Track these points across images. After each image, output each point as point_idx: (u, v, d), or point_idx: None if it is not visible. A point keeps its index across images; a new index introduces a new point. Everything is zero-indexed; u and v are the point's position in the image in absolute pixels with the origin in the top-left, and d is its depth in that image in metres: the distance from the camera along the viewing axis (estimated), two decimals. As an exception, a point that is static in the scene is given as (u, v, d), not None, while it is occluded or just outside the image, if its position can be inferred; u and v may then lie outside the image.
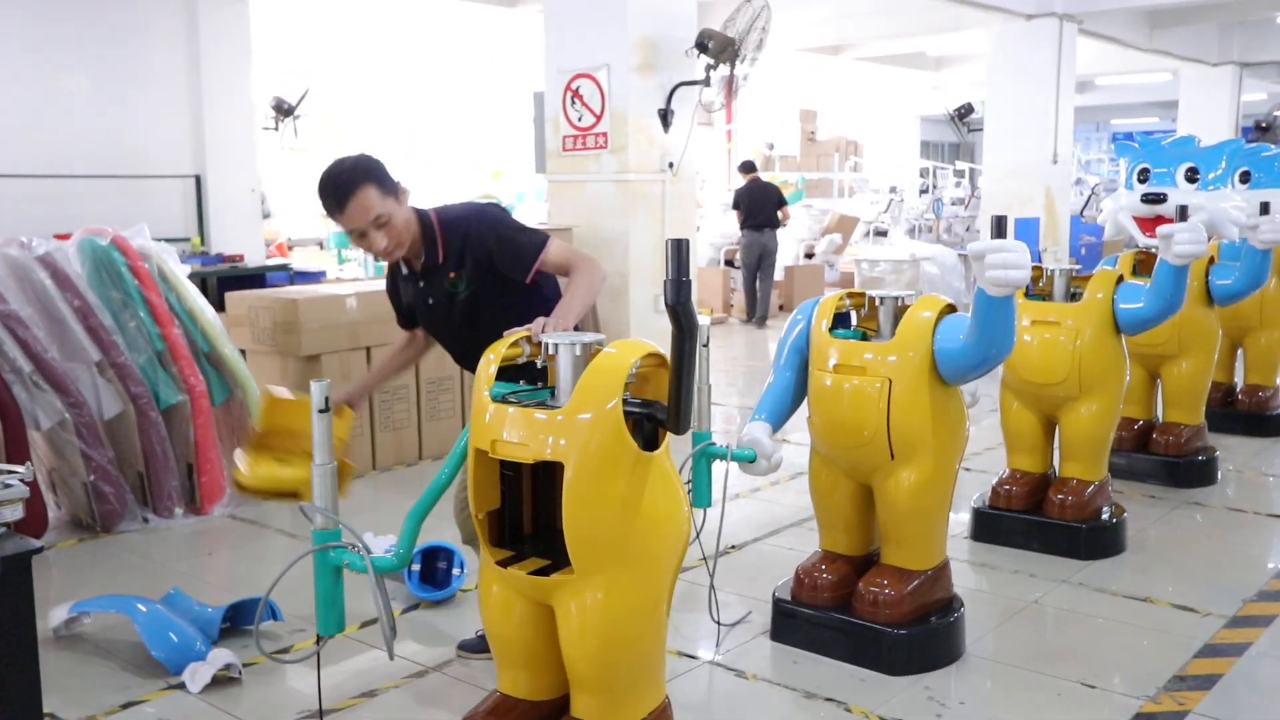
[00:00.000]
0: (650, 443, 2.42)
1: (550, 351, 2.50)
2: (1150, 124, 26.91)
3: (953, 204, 18.05)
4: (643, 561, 2.42)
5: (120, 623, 3.64)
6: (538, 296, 3.09)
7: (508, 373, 2.55)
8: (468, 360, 2.98)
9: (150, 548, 4.63)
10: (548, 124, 7.44)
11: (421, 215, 3.10)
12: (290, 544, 4.70)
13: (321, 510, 2.59)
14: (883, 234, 16.17)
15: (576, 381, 2.40)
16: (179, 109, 9.44)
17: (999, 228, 2.93)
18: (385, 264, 3.27)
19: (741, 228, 11.70)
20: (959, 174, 20.89)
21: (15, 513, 1.65)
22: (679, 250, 2.11)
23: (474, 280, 3.08)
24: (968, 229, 16.41)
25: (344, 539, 2.62)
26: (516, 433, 2.40)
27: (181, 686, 3.28)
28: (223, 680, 3.30)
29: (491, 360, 2.52)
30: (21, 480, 1.67)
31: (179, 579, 4.06)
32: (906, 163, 22.73)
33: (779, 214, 11.68)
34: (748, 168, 12.25)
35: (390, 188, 2.95)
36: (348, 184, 2.90)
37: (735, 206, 11.97)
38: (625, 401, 2.35)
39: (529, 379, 2.60)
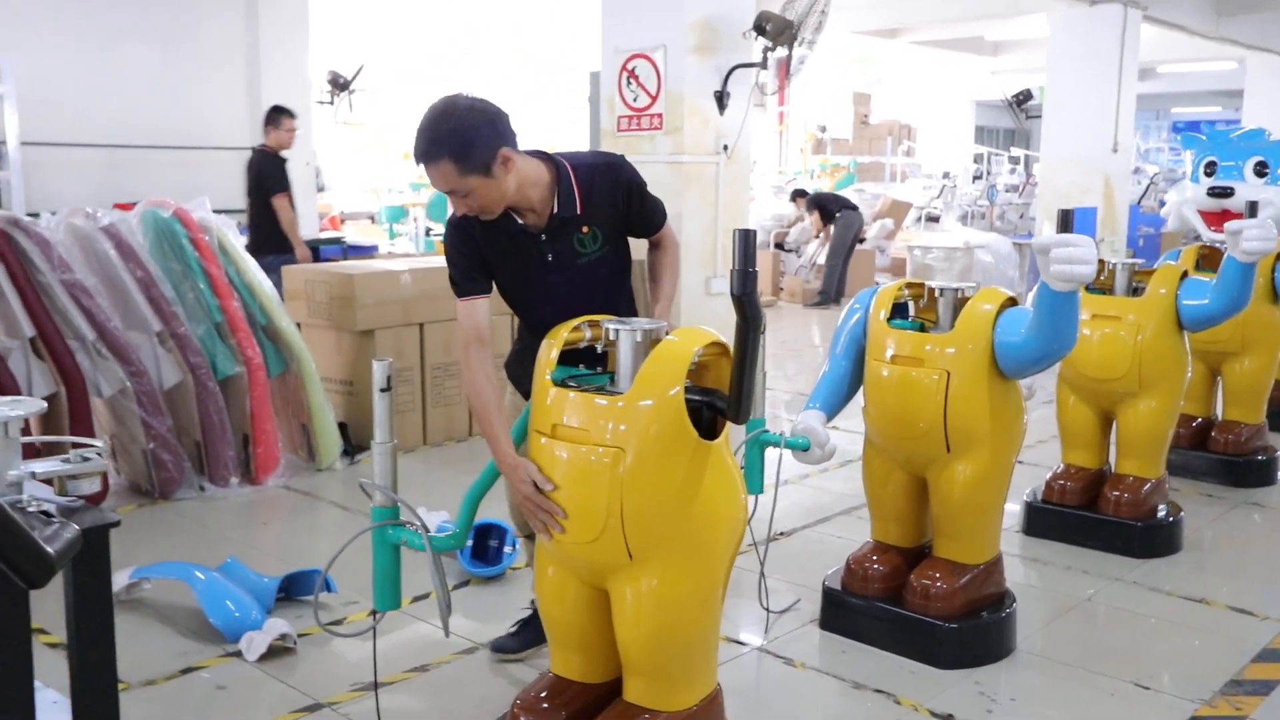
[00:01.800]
0: (710, 431, 2.42)
1: (611, 337, 2.51)
2: (1213, 113, 26.29)
3: (1007, 191, 17.77)
4: (699, 550, 2.43)
5: (179, 589, 3.71)
6: (626, 271, 2.93)
7: (566, 357, 2.56)
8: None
9: (207, 516, 4.72)
10: (603, 104, 7.40)
11: (554, 163, 2.76)
12: (343, 516, 4.76)
13: (381, 488, 2.63)
14: (935, 220, 16.01)
15: (636, 367, 2.41)
16: (236, 81, 9.54)
17: (1065, 222, 2.88)
18: (453, 223, 2.80)
19: (840, 210, 12.10)
20: (1014, 160, 20.57)
21: (93, 486, 1.69)
22: (746, 241, 2.10)
23: (607, 239, 2.80)
24: (1021, 216, 16.16)
25: (402, 516, 2.65)
26: (577, 418, 2.41)
27: (238, 654, 3.35)
28: (278, 650, 3.36)
29: (553, 344, 2.53)
30: (99, 454, 1.70)
31: (235, 547, 4.13)
32: (960, 148, 22.41)
33: None
34: (801, 194, 13.06)
35: (475, 165, 2.52)
36: (427, 150, 2.55)
37: (819, 206, 12.39)
38: (686, 389, 2.35)
39: (587, 363, 2.61)
